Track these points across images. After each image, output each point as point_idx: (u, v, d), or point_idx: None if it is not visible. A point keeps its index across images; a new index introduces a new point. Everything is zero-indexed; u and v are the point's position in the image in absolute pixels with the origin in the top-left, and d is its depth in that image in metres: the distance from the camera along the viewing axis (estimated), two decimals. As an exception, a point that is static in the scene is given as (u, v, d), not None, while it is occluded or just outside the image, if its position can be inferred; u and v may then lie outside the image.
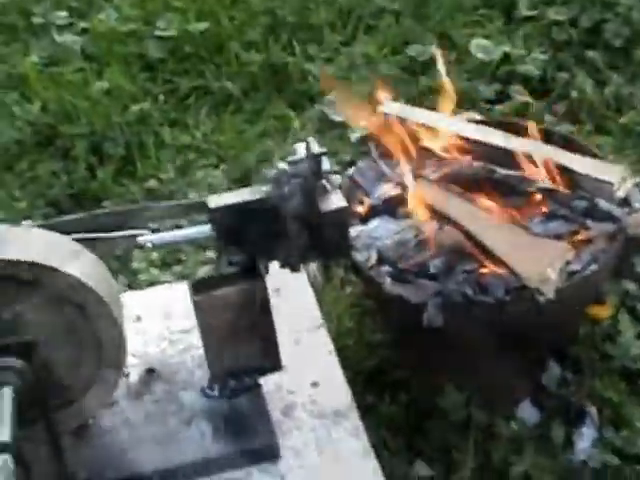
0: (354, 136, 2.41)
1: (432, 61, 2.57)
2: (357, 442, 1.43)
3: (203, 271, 2.11)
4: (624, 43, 2.62)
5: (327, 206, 1.36)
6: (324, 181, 1.38)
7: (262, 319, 1.43)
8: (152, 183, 2.40)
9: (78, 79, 2.67)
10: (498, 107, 2.47)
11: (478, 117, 2.23)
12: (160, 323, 1.67)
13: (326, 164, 1.37)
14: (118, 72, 2.66)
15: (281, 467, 1.40)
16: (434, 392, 1.81)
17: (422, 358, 1.84)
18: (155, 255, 2.16)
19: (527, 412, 1.84)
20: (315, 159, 1.37)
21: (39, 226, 1.40)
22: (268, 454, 1.41)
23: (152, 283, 2.07)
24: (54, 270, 1.23)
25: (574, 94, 2.48)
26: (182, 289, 1.74)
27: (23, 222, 1.43)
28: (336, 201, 1.37)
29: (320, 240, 1.38)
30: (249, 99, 2.62)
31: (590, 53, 2.61)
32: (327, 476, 1.39)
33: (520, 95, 2.50)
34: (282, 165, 1.39)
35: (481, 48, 2.58)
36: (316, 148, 1.37)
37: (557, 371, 1.87)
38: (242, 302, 1.41)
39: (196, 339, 1.59)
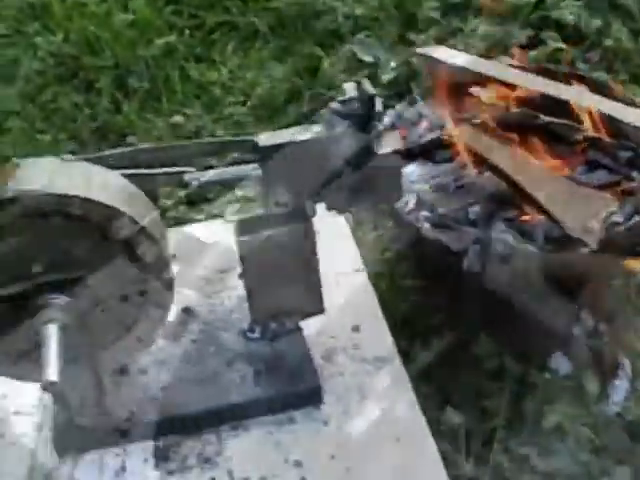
0: (385, 77, 2.36)
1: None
2: (400, 388, 1.42)
3: (231, 210, 2.08)
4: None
5: (381, 148, 1.33)
6: (377, 123, 1.34)
7: (308, 261, 1.41)
8: (178, 118, 2.36)
9: (102, 10, 2.61)
10: (531, 53, 2.41)
11: (512, 62, 2.19)
12: (195, 262, 1.64)
13: (379, 105, 1.33)
14: (143, 4, 2.59)
15: (323, 412, 1.39)
16: (467, 340, 1.79)
17: (457, 305, 1.82)
18: (183, 193, 2.12)
19: (559, 363, 1.82)
20: (369, 100, 1.33)
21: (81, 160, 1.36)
22: (311, 398, 1.39)
23: (180, 221, 2.04)
24: (105, 206, 1.20)
25: (609, 42, 2.43)
26: (217, 228, 1.74)
27: (64, 156, 1.39)
28: (390, 143, 1.34)
29: (371, 183, 1.35)
30: (276, 36, 2.57)
31: (624, 0, 2.55)
32: (370, 422, 1.37)
33: (554, 41, 2.44)
34: (334, 105, 1.35)
35: (515, -9, 2.52)
36: (370, 89, 1.33)
37: (590, 323, 1.85)
38: (288, 244, 1.38)
39: (233, 279, 1.57)
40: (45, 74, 2.49)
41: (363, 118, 1.33)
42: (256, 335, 1.46)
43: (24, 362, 1.28)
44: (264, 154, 1.34)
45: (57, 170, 1.24)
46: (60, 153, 2.10)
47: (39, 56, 2.51)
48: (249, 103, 2.39)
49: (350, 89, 1.40)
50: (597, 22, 2.51)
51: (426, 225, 1.70)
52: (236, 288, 1.57)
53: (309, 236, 1.39)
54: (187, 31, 2.58)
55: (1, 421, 1.44)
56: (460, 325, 1.82)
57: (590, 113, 1.74)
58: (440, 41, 2.39)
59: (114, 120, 2.37)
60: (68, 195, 1.19)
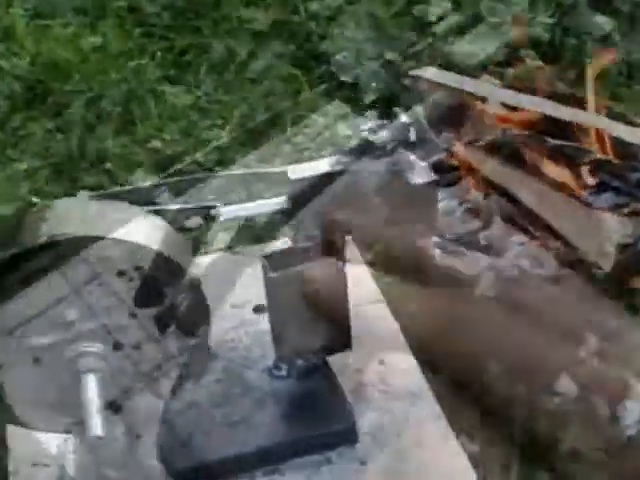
0: (368, 98, 2.33)
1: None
2: (436, 423, 1.38)
3: (220, 239, 2.02)
4: (632, 8, 2.58)
5: (416, 179, 1.29)
6: (410, 153, 1.31)
7: (338, 295, 1.36)
8: (155, 143, 2.29)
9: (68, 33, 2.53)
10: (511, 71, 2.41)
11: (496, 82, 2.19)
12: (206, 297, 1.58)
13: (413, 135, 1.30)
14: (111, 27, 2.52)
15: (360, 451, 1.34)
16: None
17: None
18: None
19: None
20: (403, 129, 1.29)
21: (100, 196, 1.30)
22: (347, 437, 1.35)
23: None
24: (144, 249, 1.14)
25: (587, 60, 2.43)
26: (221, 259, 1.68)
27: (79, 193, 1.33)
28: (425, 174, 1.30)
29: (405, 215, 1.32)
30: (251, 58, 2.51)
31: (598, 18, 2.56)
32: (409, 460, 1.33)
33: (531, 60, 2.44)
34: (365, 135, 1.31)
35: (491, 9, 2.51)
36: (403, 117, 1.30)
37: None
38: (319, 278, 1.34)
39: (248, 314, 1.53)
40: (13, 99, 2.40)
41: (398, 148, 1.29)
42: (283, 373, 1.40)
43: (49, 412, 1.22)
44: (295, 186, 1.30)
45: (88, 210, 1.17)
46: (38, 182, 2.05)
47: (6, 80, 2.42)
48: (228, 127, 2.34)
49: (372, 116, 1.37)
50: (572, 40, 2.52)
51: (437, 252, 1.67)
52: (252, 323, 1.52)
53: (340, 270, 1.34)
54: (158, 53, 2.51)
55: (16, 473, 1.36)
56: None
57: (597, 134, 1.73)
58: (418, 61, 2.37)
59: (89, 146, 2.29)
60: (102, 237, 1.13)
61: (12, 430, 1.33)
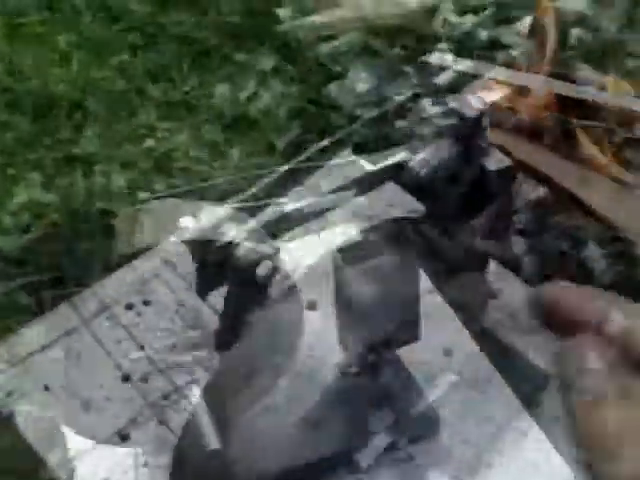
0: (361, 86, 2.30)
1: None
2: (511, 408, 1.36)
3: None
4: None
5: (492, 165, 1.27)
6: (482, 139, 1.29)
7: (408, 287, 1.33)
8: (149, 142, 2.23)
9: (44, 31, 2.44)
10: (500, 55, 2.41)
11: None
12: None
13: (486, 121, 1.28)
14: (89, 23, 2.44)
15: (442, 444, 1.32)
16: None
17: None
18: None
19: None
20: (476, 116, 1.27)
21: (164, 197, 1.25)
22: (429, 432, 1.32)
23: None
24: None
25: (572, 41, 2.44)
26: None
27: (141, 195, 1.28)
28: (499, 159, 1.28)
29: (480, 201, 1.30)
30: (234, 51, 2.46)
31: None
32: (492, 447, 1.32)
33: (517, 42, 2.44)
34: (437, 121, 1.29)
35: (472, -8, 2.51)
36: (477, 104, 1.27)
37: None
38: (392, 271, 1.31)
39: (301, 311, 1.49)
40: (-9, 105, 2.30)
41: (471, 135, 1.26)
42: (354, 370, 1.37)
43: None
44: (366, 179, 1.26)
45: (176, 211, 1.12)
46: (31, 186, 1.97)
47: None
48: (220, 121, 2.28)
49: (426, 105, 1.34)
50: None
51: (476, 238, 1.65)
52: (307, 320, 1.48)
53: (411, 261, 1.32)
54: (139, 49, 2.44)
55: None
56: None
57: (620, 113, 1.73)
58: (406, 49, 2.36)
59: (77, 147, 2.22)
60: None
61: (80, 444, 1.28)
